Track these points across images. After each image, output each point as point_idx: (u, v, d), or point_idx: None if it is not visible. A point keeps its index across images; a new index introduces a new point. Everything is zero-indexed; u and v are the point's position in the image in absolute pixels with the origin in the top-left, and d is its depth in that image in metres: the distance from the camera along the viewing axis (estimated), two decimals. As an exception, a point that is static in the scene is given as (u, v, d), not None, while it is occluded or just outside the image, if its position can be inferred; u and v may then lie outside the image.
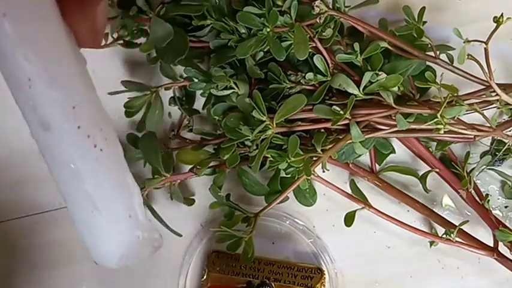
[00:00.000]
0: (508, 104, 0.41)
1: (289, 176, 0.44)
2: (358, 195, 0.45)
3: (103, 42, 0.40)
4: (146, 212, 0.25)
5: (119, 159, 0.24)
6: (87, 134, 0.22)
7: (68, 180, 0.23)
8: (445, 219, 0.45)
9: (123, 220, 0.24)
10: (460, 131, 0.40)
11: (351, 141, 0.41)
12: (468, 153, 0.45)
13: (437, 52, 0.43)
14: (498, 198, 0.47)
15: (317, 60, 0.43)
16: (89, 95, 0.23)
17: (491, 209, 0.44)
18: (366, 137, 0.41)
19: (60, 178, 0.24)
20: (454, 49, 0.45)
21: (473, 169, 0.45)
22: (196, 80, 0.45)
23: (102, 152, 0.23)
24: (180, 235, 0.46)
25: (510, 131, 0.44)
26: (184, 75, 0.46)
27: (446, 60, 0.43)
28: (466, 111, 0.40)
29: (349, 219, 0.44)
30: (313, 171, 0.42)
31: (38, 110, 0.22)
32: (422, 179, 0.46)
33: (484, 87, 0.43)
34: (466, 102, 0.40)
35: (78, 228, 0.24)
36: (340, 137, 0.42)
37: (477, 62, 0.40)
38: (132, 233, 0.24)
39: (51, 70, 0.22)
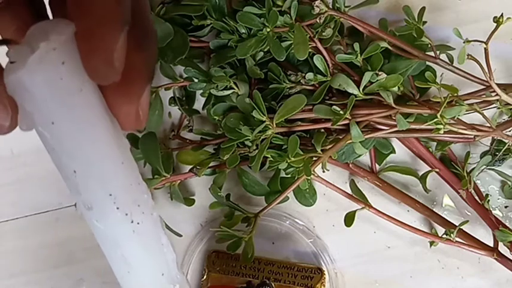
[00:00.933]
0: (508, 104, 0.41)
1: (289, 176, 0.44)
2: (358, 195, 0.45)
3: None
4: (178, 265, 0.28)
5: (155, 226, 0.27)
6: (125, 212, 0.25)
7: (107, 246, 0.26)
8: (445, 219, 0.45)
9: (156, 278, 0.27)
10: (460, 131, 0.40)
11: (351, 141, 0.41)
12: (468, 153, 0.45)
13: (437, 52, 0.43)
14: (498, 198, 0.47)
15: (317, 60, 0.43)
16: (130, 177, 0.26)
17: (491, 209, 0.44)
18: (366, 137, 0.41)
19: (100, 242, 0.26)
20: (454, 49, 0.45)
21: (473, 169, 0.45)
22: (196, 80, 0.45)
23: (139, 225, 0.26)
24: (180, 235, 0.46)
25: (510, 131, 0.44)
26: (184, 75, 0.46)
27: (446, 60, 0.43)
28: (466, 111, 0.40)
29: (349, 219, 0.44)
30: (313, 171, 0.42)
31: (82, 195, 0.25)
32: (422, 179, 0.46)
33: (484, 87, 0.43)
34: (466, 102, 0.40)
35: (118, 281, 0.27)
36: (340, 137, 0.42)
37: (477, 62, 0.40)
38: None
39: (94, 166, 0.24)
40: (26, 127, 0.24)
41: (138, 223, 0.25)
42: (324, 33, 0.43)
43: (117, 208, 0.25)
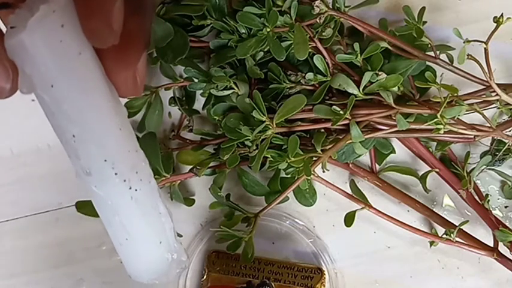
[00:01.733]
0: (508, 104, 0.41)
1: (289, 176, 0.44)
2: (358, 195, 0.45)
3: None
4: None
5: (152, 194, 0.27)
6: (123, 178, 0.26)
7: (105, 212, 0.27)
8: (445, 219, 0.45)
9: (154, 246, 0.27)
10: (460, 131, 0.40)
11: (351, 141, 0.41)
12: (468, 153, 0.45)
13: (437, 52, 0.43)
14: (498, 198, 0.47)
15: (317, 60, 0.43)
16: (128, 144, 0.26)
17: (491, 209, 0.44)
18: (366, 137, 0.41)
19: (99, 209, 0.27)
20: (454, 49, 0.45)
21: (473, 169, 0.45)
22: (196, 80, 0.45)
23: (137, 192, 0.26)
24: (180, 235, 0.46)
25: (510, 131, 0.44)
26: (184, 75, 0.46)
27: (446, 60, 0.43)
28: (466, 111, 0.40)
29: (349, 219, 0.44)
30: (313, 171, 0.42)
31: (81, 160, 0.25)
32: (422, 179, 0.46)
33: (484, 87, 0.43)
34: (466, 102, 0.40)
35: (116, 248, 0.27)
36: (340, 137, 0.42)
37: (477, 62, 0.40)
38: (162, 256, 0.28)
39: (93, 130, 0.25)
40: (26, 90, 0.24)
41: (136, 190, 0.26)
42: (324, 33, 0.43)
43: (116, 174, 0.25)
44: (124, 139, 0.26)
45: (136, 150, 0.27)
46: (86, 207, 0.43)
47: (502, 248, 0.43)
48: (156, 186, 0.28)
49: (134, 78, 0.26)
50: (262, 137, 0.42)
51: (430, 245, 0.44)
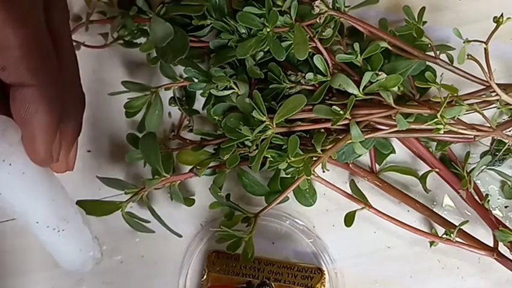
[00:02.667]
0: (508, 104, 0.41)
1: (289, 176, 0.44)
2: (358, 195, 0.45)
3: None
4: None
5: (78, 226, 0.36)
6: (53, 228, 0.34)
7: (43, 242, 0.35)
8: (445, 219, 0.45)
9: (76, 253, 0.36)
10: (460, 131, 0.40)
11: (351, 141, 0.41)
12: (468, 153, 0.45)
13: (437, 52, 0.43)
14: (498, 198, 0.47)
15: (317, 60, 0.43)
16: (61, 208, 0.34)
17: (491, 209, 0.44)
18: (366, 137, 0.41)
19: (40, 241, 0.35)
20: (454, 49, 0.45)
21: (473, 169, 0.45)
22: (196, 80, 0.45)
23: (64, 231, 0.34)
24: (180, 236, 0.46)
25: (510, 131, 0.44)
26: (184, 75, 0.46)
27: (446, 60, 0.43)
28: (466, 111, 0.40)
29: (349, 219, 0.43)
30: (313, 171, 0.42)
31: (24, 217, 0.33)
32: (422, 179, 0.46)
33: (484, 87, 0.43)
34: (466, 102, 0.40)
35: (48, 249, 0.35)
36: (340, 137, 0.42)
37: (477, 62, 0.40)
38: (81, 257, 0.36)
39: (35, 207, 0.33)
40: None
41: (63, 230, 0.34)
42: (324, 33, 0.43)
43: (47, 227, 0.34)
44: (57, 206, 0.34)
45: (66, 204, 0.35)
46: (85, 208, 0.43)
47: (502, 248, 0.43)
48: (81, 220, 0.36)
49: (66, 164, 0.35)
50: (262, 137, 0.42)
51: (430, 245, 0.44)
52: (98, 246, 0.37)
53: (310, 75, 0.43)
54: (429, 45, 0.43)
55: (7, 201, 0.31)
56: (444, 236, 0.44)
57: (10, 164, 0.30)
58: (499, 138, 0.45)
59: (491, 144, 0.46)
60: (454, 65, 0.43)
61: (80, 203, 0.44)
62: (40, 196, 0.33)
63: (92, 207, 0.43)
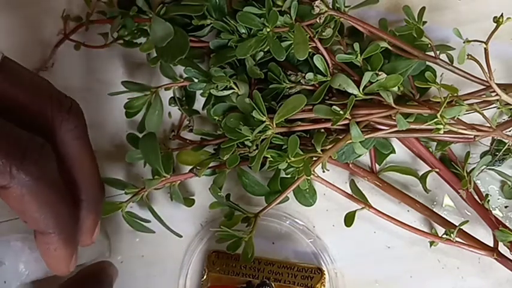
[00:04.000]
0: (508, 104, 0.41)
1: (289, 176, 0.44)
2: (358, 195, 0.45)
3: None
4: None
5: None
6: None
7: None
8: (445, 219, 0.45)
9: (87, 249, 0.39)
10: (460, 131, 0.40)
11: (351, 141, 0.41)
12: (468, 153, 0.45)
13: (437, 52, 0.43)
14: (498, 198, 0.47)
15: (317, 60, 0.43)
16: None
17: (491, 209, 0.44)
18: (366, 137, 0.41)
19: None
20: (454, 49, 0.45)
21: (473, 169, 0.45)
22: (196, 80, 0.45)
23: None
24: (180, 236, 0.46)
25: (510, 131, 0.44)
26: (184, 75, 0.46)
27: (446, 60, 0.43)
28: (466, 111, 0.40)
29: (349, 219, 0.43)
30: (313, 171, 0.42)
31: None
32: (422, 179, 0.46)
33: (484, 87, 0.43)
34: (466, 102, 0.40)
35: None
36: (340, 137, 0.42)
37: (477, 62, 0.40)
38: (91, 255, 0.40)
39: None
40: None
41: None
42: (324, 33, 0.43)
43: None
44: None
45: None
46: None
47: (502, 248, 0.43)
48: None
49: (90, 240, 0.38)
50: (262, 137, 0.42)
51: (430, 245, 0.44)
52: (108, 245, 0.39)
53: (310, 75, 0.43)
54: (429, 45, 0.43)
55: None
56: (444, 236, 0.44)
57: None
58: (499, 138, 0.45)
59: (491, 144, 0.46)
60: (454, 65, 0.43)
61: None
62: None
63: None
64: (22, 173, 0.28)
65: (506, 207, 0.47)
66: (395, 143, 0.47)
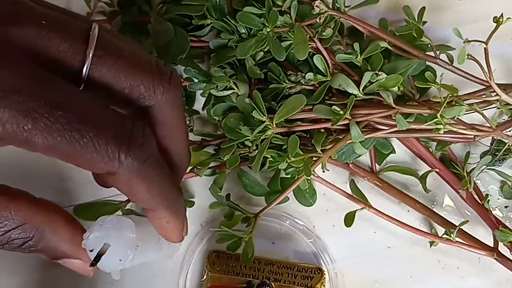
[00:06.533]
0: (508, 104, 0.41)
1: (289, 176, 0.44)
2: (358, 196, 0.45)
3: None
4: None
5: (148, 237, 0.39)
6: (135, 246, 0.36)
7: None
8: (445, 219, 0.45)
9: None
10: (460, 131, 0.40)
11: (351, 141, 0.41)
12: (468, 153, 0.45)
13: (437, 52, 0.43)
14: (498, 198, 0.47)
15: (317, 60, 0.43)
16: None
17: (491, 209, 0.44)
18: (366, 137, 0.41)
19: None
20: (454, 49, 0.45)
21: (473, 169, 0.45)
22: (196, 80, 0.45)
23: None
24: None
25: (510, 131, 0.44)
26: (185, 75, 0.46)
27: (446, 60, 0.43)
28: (466, 111, 0.40)
29: (349, 219, 0.44)
30: (313, 171, 0.42)
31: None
32: (422, 179, 0.46)
33: (484, 87, 0.43)
34: (466, 102, 0.40)
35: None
36: (340, 137, 0.42)
37: (477, 62, 0.40)
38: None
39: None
40: None
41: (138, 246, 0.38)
42: (324, 33, 0.43)
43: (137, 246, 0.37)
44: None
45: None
46: (84, 212, 0.43)
47: (502, 248, 0.43)
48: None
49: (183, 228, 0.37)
50: (262, 137, 0.42)
51: (430, 245, 0.44)
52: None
53: (310, 75, 0.43)
54: (429, 45, 0.43)
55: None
56: (444, 236, 0.44)
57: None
58: (499, 138, 0.44)
59: (491, 144, 0.46)
60: (454, 65, 0.43)
61: (78, 208, 0.44)
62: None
63: (90, 212, 0.43)
64: (130, 158, 0.29)
65: (506, 207, 0.47)
66: (395, 143, 0.47)
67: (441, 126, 0.39)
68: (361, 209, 0.44)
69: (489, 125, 0.41)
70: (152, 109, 0.32)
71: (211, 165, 0.45)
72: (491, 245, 0.44)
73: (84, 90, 0.29)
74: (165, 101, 0.32)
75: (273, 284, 0.45)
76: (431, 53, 0.43)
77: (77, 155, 0.28)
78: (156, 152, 0.31)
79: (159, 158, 0.32)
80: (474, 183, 0.45)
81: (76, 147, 0.28)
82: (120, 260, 0.36)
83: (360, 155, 0.45)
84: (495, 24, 0.40)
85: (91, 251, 0.35)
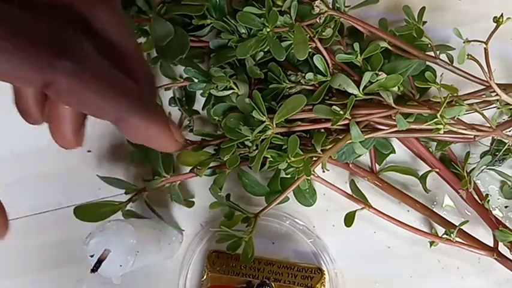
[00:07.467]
0: (508, 104, 0.41)
1: (289, 176, 0.44)
2: (358, 196, 0.45)
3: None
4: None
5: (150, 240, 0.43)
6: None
7: None
8: (445, 219, 0.45)
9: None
10: (460, 131, 0.40)
11: (350, 141, 0.41)
12: (468, 153, 0.45)
13: (437, 52, 0.43)
14: (498, 198, 0.47)
15: (317, 60, 0.43)
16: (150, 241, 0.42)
17: (491, 209, 0.44)
18: (366, 137, 0.41)
19: None
20: (454, 49, 0.45)
21: (473, 169, 0.45)
22: (196, 80, 0.45)
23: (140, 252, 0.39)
24: (182, 230, 0.46)
25: (510, 131, 0.44)
26: (184, 75, 0.46)
27: (446, 60, 0.43)
28: (466, 111, 0.40)
29: (349, 219, 0.43)
30: (313, 171, 0.42)
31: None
32: (422, 179, 0.46)
33: (484, 87, 0.43)
34: (466, 102, 0.40)
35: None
36: (340, 137, 0.42)
37: (477, 62, 0.40)
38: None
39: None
40: None
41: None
42: (324, 33, 0.43)
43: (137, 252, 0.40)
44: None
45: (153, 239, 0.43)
46: (84, 213, 0.43)
47: (502, 248, 0.43)
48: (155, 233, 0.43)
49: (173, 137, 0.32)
50: (262, 137, 0.42)
51: (430, 245, 0.44)
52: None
53: (310, 75, 0.43)
54: (429, 45, 0.43)
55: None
56: (444, 236, 0.44)
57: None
58: (499, 138, 0.44)
59: (491, 144, 0.46)
60: (454, 65, 0.43)
61: (78, 209, 0.44)
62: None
63: (90, 213, 0.43)
64: (63, 59, 0.26)
65: (506, 207, 0.47)
66: (396, 143, 0.47)
67: (441, 126, 0.39)
68: (361, 209, 0.44)
69: (489, 125, 0.41)
70: (91, 23, 0.30)
71: (211, 165, 0.45)
72: (491, 245, 0.44)
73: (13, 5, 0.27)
74: (100, 10, 0.30)
75: (273, 284, 0.45)
76: (431, 53, 0.43)
77: (9, 67, 0.25)
78: (94, 51, 0.28)
79: (99, 57, 0.28)
80: (474, 183, 0.45)
81: (7, 58, 0.25)
82: (121, 266, 0.36)
83: (360, 155, 0.45)
84: (495, 24, 0.40)
85: (91, 256, 0.35)
